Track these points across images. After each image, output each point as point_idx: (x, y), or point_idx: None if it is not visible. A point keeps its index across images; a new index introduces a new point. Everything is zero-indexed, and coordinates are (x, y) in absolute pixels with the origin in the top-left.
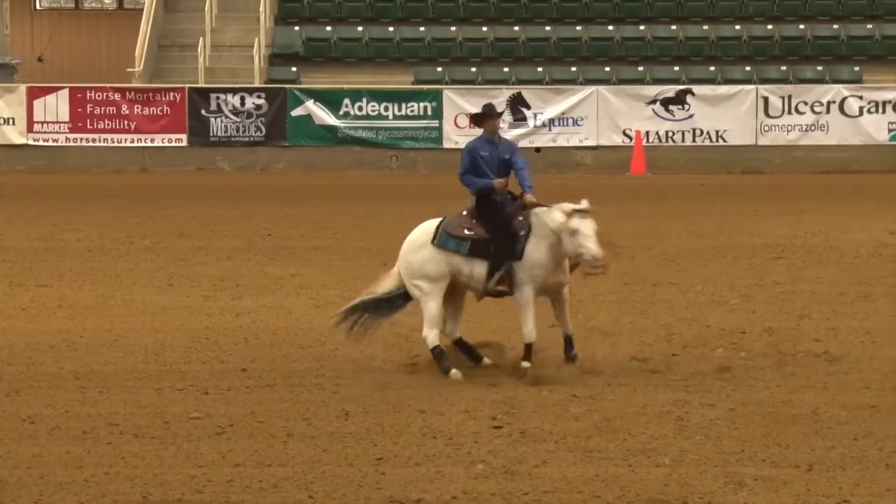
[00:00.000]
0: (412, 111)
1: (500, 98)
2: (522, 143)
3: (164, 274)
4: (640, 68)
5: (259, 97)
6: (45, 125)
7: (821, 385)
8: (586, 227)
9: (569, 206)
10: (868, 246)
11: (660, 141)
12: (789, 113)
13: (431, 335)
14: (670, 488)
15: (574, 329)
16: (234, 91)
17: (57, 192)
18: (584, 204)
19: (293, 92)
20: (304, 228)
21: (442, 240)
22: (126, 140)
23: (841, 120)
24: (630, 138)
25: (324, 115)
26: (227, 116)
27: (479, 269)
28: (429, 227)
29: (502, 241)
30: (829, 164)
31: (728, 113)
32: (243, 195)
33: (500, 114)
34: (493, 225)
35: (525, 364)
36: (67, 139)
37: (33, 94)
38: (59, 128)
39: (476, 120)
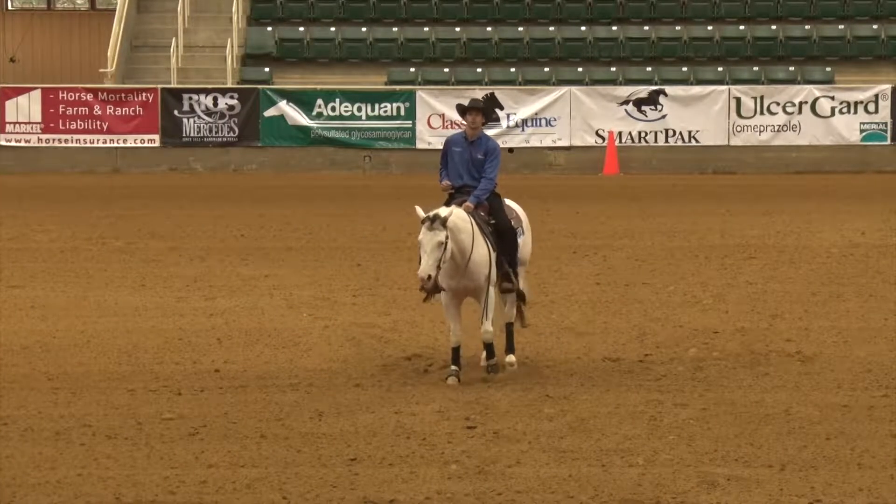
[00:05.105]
0: (385, 112)
1: None
2: None
3: (137, 275)
4: (613, 69)
5: (232, 98)
6: (17, 126)
7: (793, 385)
8: (424, 239)
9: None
10: (839, 246)
11: (632, 141)
12: (761, 113)
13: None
14: (643, 488)
15: (496, 336)
16: (206, 91)
17: (29, 192)
18: (419, 211)
19: (266, 92)
20: (277, 229)
21: None
22: (98, 140)
23: (813, 120)
24: (603, 139)
25: (297, 116)
26: (199, 117)
27: None
28: None
29: None
30: (801, 165)
31: (700, 113)
32: (216, 196)
33: (481, 110)
34: None
35: (452, 367)
36: (40, 140)
37: (5, 94)
38: (32, 128)
39: (460, 111)
